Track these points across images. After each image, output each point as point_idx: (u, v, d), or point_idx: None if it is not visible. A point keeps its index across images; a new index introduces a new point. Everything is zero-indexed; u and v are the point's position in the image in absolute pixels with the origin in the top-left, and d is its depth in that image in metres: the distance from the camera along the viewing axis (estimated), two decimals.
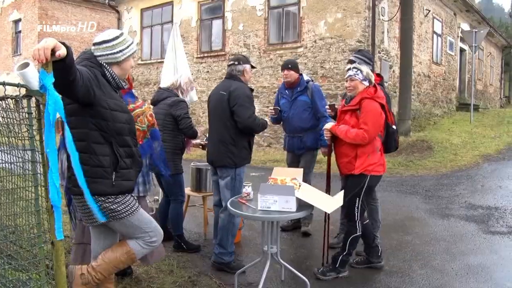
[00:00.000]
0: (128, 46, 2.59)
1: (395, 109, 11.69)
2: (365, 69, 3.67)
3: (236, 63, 4.09)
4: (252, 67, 4.23)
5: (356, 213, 3.67)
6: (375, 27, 10.72)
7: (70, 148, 2.12)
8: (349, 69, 3.73)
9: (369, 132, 3.50)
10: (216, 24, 13.70)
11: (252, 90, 4.11)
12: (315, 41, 11.39)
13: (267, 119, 4.30)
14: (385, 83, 12.45)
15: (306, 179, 4.76)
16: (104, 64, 2.53)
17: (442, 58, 16.08)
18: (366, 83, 3.64)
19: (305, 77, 4.94)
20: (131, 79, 3.34)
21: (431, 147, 10.52)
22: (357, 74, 3.64)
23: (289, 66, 4.82)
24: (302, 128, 4.80)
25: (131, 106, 3.17)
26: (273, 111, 4.85)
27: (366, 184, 3.61)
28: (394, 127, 3.73)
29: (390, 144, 3.78)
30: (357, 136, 3.52)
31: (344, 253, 3.73)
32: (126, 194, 2.58)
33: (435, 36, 15.17)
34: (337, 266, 3.74)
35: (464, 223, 5.38)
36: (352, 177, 3.67)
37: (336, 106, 4.39)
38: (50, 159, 2.04)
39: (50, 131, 2.02)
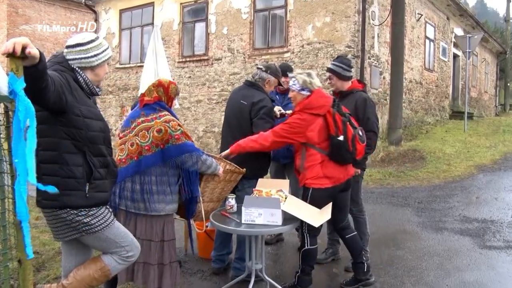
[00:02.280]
0: (103, 51, 2.59)
1: (385, 117, 11.81)
2: (302, 77, 3.61)
3: (264, 69, 4.06)
4: (279, 84, 4.20)
5: (303, 224, 3.57)
6: (365, 31, 10.84)
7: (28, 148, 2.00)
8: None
9: (276, 134, 3.56)
10: (199, 27, 13.71)
11: (273, 101, 4.07)
12: (302, 46, 11.47)
13: None
14: (375, 90, 12.43)
15: (295, 193, 4.74)
16: (77, 68, 2.51)
17: (435, 64, 16.34)
18: (305, 92, 3.60)
19: None
20: (170, 90, 3.26)
21: (423, 157, 10.62)
22: (294, 84, 3.63)
23: (287, 73, 4.67)
24: None
25: (140, 120, 3.12)
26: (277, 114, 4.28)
27: (309, 197, 3.57)
28: (341, 138, 3.50)
29: (338, 156, 3.56)
30: (260, 136, 3.62)
31: (299, 270, 3.64)
32: (101, 206, 2.55)
33: (427, 41, 15.43)
34: (296, 284, 3.64)
35: (458, 237, 5.43)
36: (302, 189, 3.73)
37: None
38: (19, 170, 2.00)
39: (19, 139, 1.99)
